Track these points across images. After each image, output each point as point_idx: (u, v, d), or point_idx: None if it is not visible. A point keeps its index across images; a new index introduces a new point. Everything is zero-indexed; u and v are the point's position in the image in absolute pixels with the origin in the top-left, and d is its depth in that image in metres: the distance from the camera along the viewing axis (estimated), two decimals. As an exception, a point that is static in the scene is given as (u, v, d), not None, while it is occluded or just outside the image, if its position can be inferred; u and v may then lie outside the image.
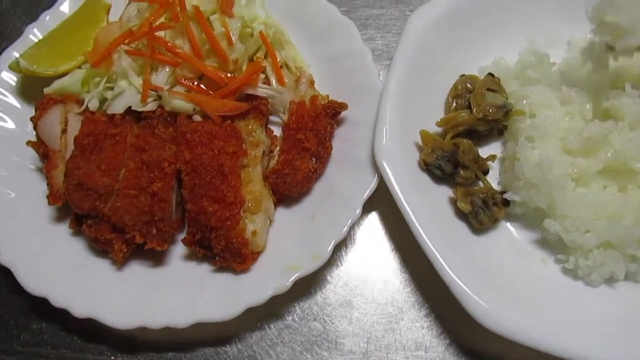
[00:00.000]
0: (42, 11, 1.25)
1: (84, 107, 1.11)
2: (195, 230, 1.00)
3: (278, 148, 1.10)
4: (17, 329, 1.06)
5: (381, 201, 1.08)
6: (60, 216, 1.08)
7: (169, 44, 1.08)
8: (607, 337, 0.93)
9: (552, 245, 1.04)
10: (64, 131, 1.08)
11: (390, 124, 1.04)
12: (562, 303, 0.99)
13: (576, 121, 1.07)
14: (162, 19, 1.12)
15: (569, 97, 1.09)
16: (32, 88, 1.17)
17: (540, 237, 1.06)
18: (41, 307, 1.01)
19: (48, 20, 1.22)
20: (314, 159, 1.07)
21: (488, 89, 1.10)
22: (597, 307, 0.99)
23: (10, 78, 1.18)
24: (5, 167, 1.11)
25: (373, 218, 1.13)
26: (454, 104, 1.13)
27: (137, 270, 1.03)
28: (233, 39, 1.09)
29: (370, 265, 1.08)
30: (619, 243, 0.99)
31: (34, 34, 1.21)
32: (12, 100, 1.17)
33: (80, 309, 0.97)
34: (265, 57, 1.17)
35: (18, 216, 1.06)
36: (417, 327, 1.03)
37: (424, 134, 1.07)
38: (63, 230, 1.07)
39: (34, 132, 1.10)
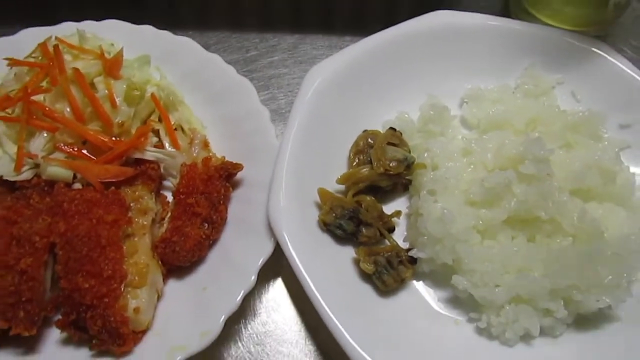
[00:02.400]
0: None
1: (-47, 178, 1.01)
2: (69, 311, 0.90)
3: (169, 215, 1.03)
4: None
5: (285, 267, 1.01)
6: None
7: (47, 108, 1.01)
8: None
9: (464, 303, 0.98)
10: None
11: (286, 185, 0.99)
12: (480, 367, 0.93)
13: (478, 172, 1.04)
14: (43, 84, 1.06)
15: (469, 148, 1.07)
16: None
17: (451, 295, 1.00)
18: None
19: None
20: (206, 225, 0.99)
21: (389, 143, 1.07)
22: (515, 368, 0.93)
23: None
24: None
25: (277, 286, 1.04)
26: (356, 160, 1.08)
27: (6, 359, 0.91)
28: (117, 101, 1.03)
29: (273, 339, 0.99)
30: (530, 296, 0.94)
31: None
32: None
33: None
34: (160, 120, 1.12)
35: None
36: (323, 405, 0.93)
37: (321, 192, 1.01)
38: None
39: None
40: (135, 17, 1.26)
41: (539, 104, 1.17)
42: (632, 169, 1.09)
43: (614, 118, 1.16)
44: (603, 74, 1.20)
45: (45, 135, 1.01)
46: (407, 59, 1.20)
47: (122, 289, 0.91)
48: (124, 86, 1.05)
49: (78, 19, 1.25)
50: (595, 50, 1.21)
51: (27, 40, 1.19)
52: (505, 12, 1.40)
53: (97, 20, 1.24)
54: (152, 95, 1.10)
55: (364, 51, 1.17)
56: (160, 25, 1.26)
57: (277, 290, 1.04)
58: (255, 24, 1.38)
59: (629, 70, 1.18)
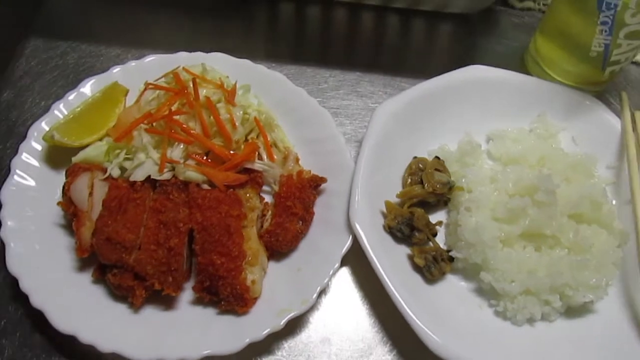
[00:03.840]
0: (61, 90, 1.49)
1: (107, 174, 1.31)
2: (204, 279, 1.21)
3: (270, 212, 1.35)
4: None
5: (352, 258, 1.33)
6: (82, 267, 1.26)
7: (184, 126, 1.32)
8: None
9: (486, 293, 1.31)
10: (91, 194, 1.27)
11: (360, 195, 1.31)
12: (495, 339, 1.25)
13: (502, 196, 1.37)
14: (176, 105, 1.37)
15: (495, 177, 1.41)
16: (55, 155, 1.38)
17: (477, 286, 1.32)
18: (66, 348, 1.18)
19: (71, 99, 1.44)
20: (300, 222, 1.31)
21: (436, 169, 1.41)
22: (521, 342, 1.25)
23: (37, 146, 1.38)
24: (34, 223, 1.28)
25: (345, 272, 1.37)
26: (409, 180, 1.42)
27: (151, 313, 1.21)
28: (237, 124, 1.35)
29: (345, 309, 1.31)
30: (535, 290, 1.27)
31: (59, 109, 1.42)
32: (40, 165, 1.36)
33: (105, 344, 1.13)
34: (258, 137, 1.44)
35: (45, 266, 1.23)
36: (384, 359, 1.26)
37: (387, 204, 1.34)
38: (85, 278, 1.24)
39: (58, 193, 1.29)
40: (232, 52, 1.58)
41: (547, 145, 1.51)
42: (614, 202, 1.45)
43: (602, 160, 1.51)
44: (596, 124, 1.53)
45: (181, 146, 1.32)
46: (447, 102, 1.52)
47: (243, 265, 1.23)
48: (241, 112, 1.37)
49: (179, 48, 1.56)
50: (591, 105, 1.56)
51: (151, 64, 1.51)
52: (522, 67, 1.75)
53: (205, 52, 1.55)
54: (255, 118, 1.42)
55: (415, 95, 1.48)
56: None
57: (346, 275, 1.36)
58: (325, 62, 1.70)
59: (616, 123, 1.54)
